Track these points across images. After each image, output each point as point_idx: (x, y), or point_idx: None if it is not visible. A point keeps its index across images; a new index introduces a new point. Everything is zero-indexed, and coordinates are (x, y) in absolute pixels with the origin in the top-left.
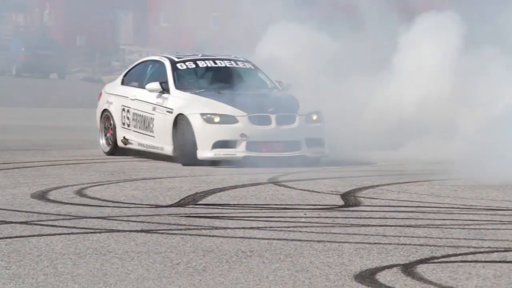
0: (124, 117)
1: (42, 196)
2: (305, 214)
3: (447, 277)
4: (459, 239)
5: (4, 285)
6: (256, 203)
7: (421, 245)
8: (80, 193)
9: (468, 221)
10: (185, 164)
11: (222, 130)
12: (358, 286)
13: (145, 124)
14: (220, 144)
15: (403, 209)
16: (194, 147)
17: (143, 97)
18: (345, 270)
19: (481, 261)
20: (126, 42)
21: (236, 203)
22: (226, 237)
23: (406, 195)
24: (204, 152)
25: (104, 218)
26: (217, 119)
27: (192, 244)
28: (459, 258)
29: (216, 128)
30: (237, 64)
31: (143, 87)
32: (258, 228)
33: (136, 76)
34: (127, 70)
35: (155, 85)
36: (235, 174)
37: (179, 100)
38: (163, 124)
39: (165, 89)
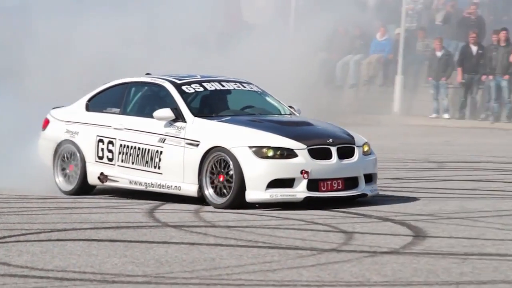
0: (103, 150)
1: None
2: None
3: (2, 255)
4: (14, 223)
5: None
6: None
7: None
8: None
9: (22, 208)
10: (228, 207)
11: (280, 166)
12: None
13: (144, 158)
14: (277, 183)
15: None
16: (242, 187)
17: (140, 126)
18: None
19: (31, 241)
20: None
21: None
22: None
23: None
24: (257, 193)
25: None
26: (270, 153)
27: None
28: (13, 239)
29: (272, 164)
30: (244, 86)
31: (132, 115)
32: None
33: (112, 101)
34: (91, 94)
35: (167, 112)
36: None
37: (207, 130)
38: (180, 158)
39: (177, 117)
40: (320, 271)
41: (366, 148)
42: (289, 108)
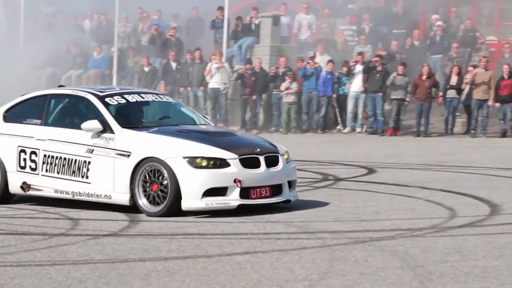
0: (25, 160)
1: None
2: None
3: None
4: None
5: None
6: None
7: None
8: None
9: None
10: (163, 216)
11: (214, 175)
12: None
13: (71, 168)
14: (211, 192)
15: None
16: (177, 196)
17: (64, 137)
18: None
19: None
20: None
21: None
22: None
23: None
24: (192, 202)
25: None
26: (204, 163)
27: None
28: None
29: (207, 173)
30: (161, 98)
31: (54, 126)
32: None
33: (32, 113)
34: (8, 106)
35: (95, 123)
36: None
37: (137, 141)
38: (111, 169)
39: (105, 128)
40: (51, 253)
41: (286, 156)
42: (204, 118)
